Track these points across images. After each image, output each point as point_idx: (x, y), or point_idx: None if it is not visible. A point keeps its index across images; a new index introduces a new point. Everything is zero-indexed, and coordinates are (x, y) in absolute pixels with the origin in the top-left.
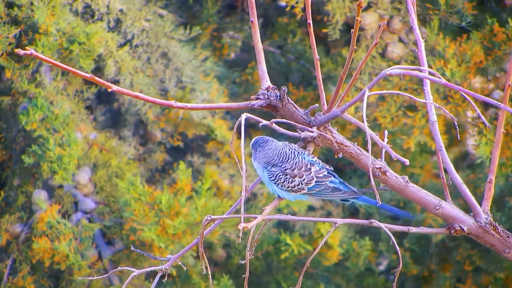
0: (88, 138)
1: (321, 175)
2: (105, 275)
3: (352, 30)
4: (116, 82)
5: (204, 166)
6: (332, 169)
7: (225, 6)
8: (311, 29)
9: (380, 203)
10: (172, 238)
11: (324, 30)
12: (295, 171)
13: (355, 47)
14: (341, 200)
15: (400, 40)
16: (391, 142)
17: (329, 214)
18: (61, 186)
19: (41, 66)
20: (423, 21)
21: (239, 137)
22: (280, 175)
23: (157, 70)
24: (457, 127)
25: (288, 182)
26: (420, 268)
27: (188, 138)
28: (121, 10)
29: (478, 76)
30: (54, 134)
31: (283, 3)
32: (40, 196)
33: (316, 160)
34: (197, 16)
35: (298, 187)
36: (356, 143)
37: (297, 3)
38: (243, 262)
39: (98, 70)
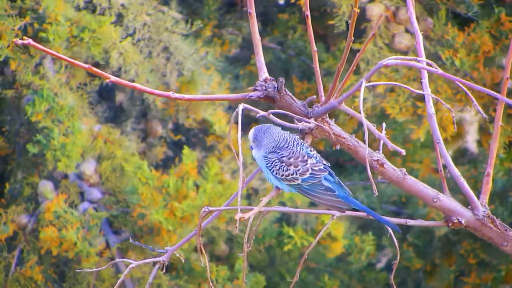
0: (93, 130)
1: (316, 168)
2: (104, 267)
3: (349, 21)
4: (121, 72)
5: (206, 160)
6: (329, 165)
7: (225, 3)
8: (309, 21)
9: (377, 193)
10: (180, 221)
11: (331, 22)
12: (291, 159)
13: (353, 38)
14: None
15: (407, 30)
16: (393, 136)
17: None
18: (66, 177)
19: (44, 58)
20: (430, 11)
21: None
22: (276, 162)
23: (158, 64)
24: (454, 118)
25: (283, 170)
26: (424, 262)
27: (189, 133)
28: (122, 5)
29: (487, 67)
30: (58, 125)
31: (281, 2)
32: (46, 186)
33: (314, 154)
34: (198, 13)
35: (292, 176)
36: (354, 135)
37: None
38: (241, 254)
39: (104, 61)
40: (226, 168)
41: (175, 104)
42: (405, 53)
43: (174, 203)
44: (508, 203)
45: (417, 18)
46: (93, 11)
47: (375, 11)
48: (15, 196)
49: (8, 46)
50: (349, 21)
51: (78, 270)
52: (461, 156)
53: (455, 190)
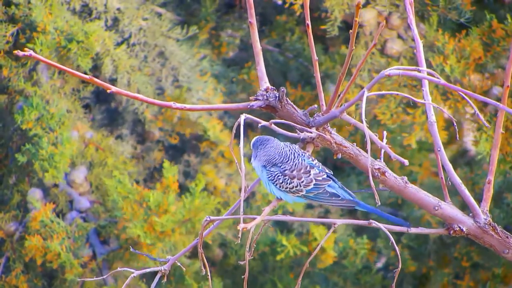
0: (85, 137)
1: (320, 178)
2: (102, 277)
3: (350, 31)
4: (113, 80)
5: (200, 166)
6: (332, 173)
7: (223, 4)
8: (310, 30)
9: (379, 203)
10: (160, 236)
11: (323, 27)
12: (294, 172)
13: (353, 47)
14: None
15: (399, 36)
16: (391, 140)
17: (327, 213)
18: (56, 185)
19: (38, 64)
20: (422, 17)
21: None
22: (278, 176)
23: (154, 69)
24: (455, 127)
25: (287, 183)
26: (418, 265)
27: (185, 138)
28: (118, 9)
29: (476, 73)
30: (49, 133)
31: (279, 1)
32: (35, 195)
33: (316, 163)
34: (195, 15)
35: (296, 188)
36: (355, 143)
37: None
38: (242, 262)
39: (96, 68)
40: (221, 173)
41: (163, 118)
42: (396, 59)
43: (153, 217)
44: (504, 205)
45: (409, 25)
46: (89, 14)
47: (368, 16)
48: (5, 203)
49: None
50: (340, 25)
51: (79, 279)
52: (460, 157)
53: (453, 192)
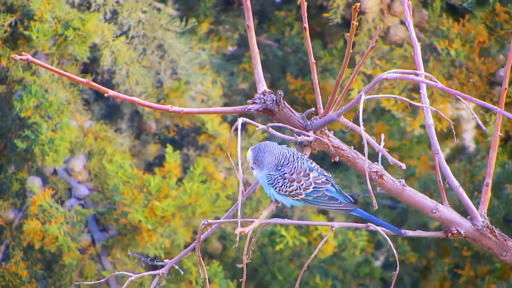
0: (83, 127)
1: (319, 181)
2: (105, 278)
3: (347, 34)
4: (112, 72)
5: (198, 159)
6: (330, 176)
7: (221, 0)
8: (307, 34)
9: (377, 207)
10: (160, 221)
11: (325, 15)
12: (294, 175)
13: (352, 50)
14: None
15: (402, 22)
16: (396, 128)
17: (325, 212)
18: (55, 173)
19: (36, 54)
20: (425, 2)
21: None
22: (278, 179)
23: (152, 62)
24: (453, 129)
25: (286, 187)
26: (419, 255)
27: (183, 131)
28: (117, 2)
29: (482, 57)
30: (48, 121)
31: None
32: (34, 182)
33: (314, 166)
34: (194, 10)
35: (296, 192)
36: (353, 146)
37: None
38: (240, 266)
39: (94, 60)
40: (220, 167)
41: (162, 111)
42: (399, 45)
43: (154, 202)
44: (503, 195)
45: (412, 10)
46: (88, 7)
47: (370, 3)
48: (4, 191)
49: None
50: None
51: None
52: (458, 154)
53: (451, 194)
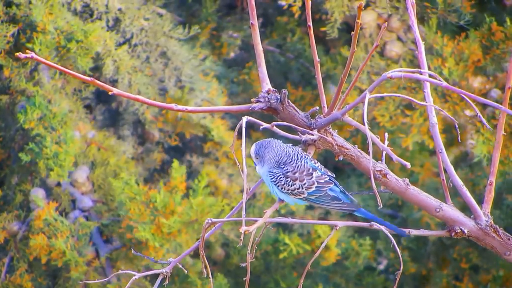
0: (87, 137)
1: (322, 181)
2: (105, 279)
3: (352, 32)
4: (114, 81)
5: (202, 166)
6: (334, 176)
7: (224, 5)
8: (311, 32)
9: (381, 206)
10: (167, 237)
11: (323, 29)
12: (297, 174)
13: (355, 49)
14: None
15: (399, 38)
16: (390, 141)
17: (327, 214)
18: (58, 184)
19: (39, 64)
20: (421, 19)
21: (239, 138)
22: (281, 177)
23: (156, 70)
24: (457, 129)
25: (288, 185)
26: (418, 266)
27: (186, 138)
28: (120, 9)
29: (476, 76)
30: (51, 133)
31: (282, 2)
32: (37, 194)
33: (318, 166)
34: (196, 16)
35: (298, 190)
36: (356, 145)
37: (294, 1)
38: (243, 265)
39: (97, 69)
40: (223, 174)
41: (164, 119)
42: (396, 61)
43: (160, 219)
44: (504, 206)
45: (409, 27)
46: (91, 15)
47: (368, 18)
48: (7, 203)
49: (0, 52)
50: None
51: (81, 282)
52: (461, 161)
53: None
